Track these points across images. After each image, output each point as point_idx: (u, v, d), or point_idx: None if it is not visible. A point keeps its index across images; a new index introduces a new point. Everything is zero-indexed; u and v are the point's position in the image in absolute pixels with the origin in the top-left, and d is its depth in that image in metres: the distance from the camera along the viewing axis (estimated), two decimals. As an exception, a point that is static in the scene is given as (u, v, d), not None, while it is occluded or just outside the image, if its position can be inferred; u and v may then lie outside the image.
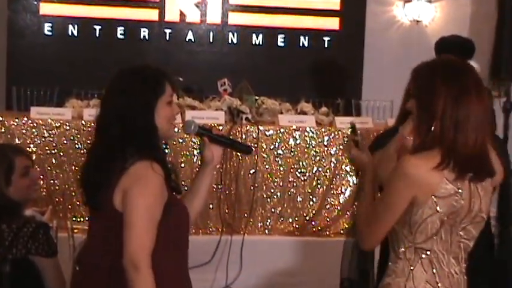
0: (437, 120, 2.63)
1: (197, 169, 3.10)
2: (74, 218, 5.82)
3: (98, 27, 8.02)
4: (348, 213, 6.34)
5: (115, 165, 2.82)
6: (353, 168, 3.32)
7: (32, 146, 5.82)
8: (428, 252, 2.70)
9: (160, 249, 2.80)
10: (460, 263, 2.76)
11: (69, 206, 5.84)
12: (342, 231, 6.29)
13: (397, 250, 2.75)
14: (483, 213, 2.74)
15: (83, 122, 5.94)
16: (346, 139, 6.18)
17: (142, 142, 2.87)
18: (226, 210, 6.12)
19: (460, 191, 2.64)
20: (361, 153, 3.06)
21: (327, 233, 6.28)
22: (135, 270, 2.69)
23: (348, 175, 6.31)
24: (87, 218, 3.08)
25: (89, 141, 5.80)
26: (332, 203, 6.31)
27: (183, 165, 5.89)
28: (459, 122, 2.61)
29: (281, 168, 6.20)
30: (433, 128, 2.63)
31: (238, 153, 5.72)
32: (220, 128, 6.03)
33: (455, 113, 2.62)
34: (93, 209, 2.98)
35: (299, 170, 6.23)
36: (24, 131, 5.85)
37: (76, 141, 5.89)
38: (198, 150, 3.25)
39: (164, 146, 3.13)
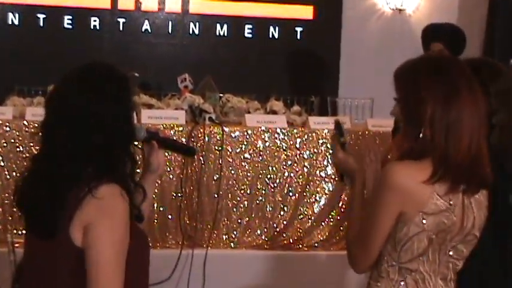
0: (425, 126, 2.59)
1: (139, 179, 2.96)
2: (15, 231, 5.79)
3: (41, 16, 7.98)
4: (322, 223, 6.38)
5: (72, 186, 2.63)
6: (337, 174, 3.18)
7: (-33, 149, 5.79)
8: (413, 273, 2.67)
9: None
10: (448, 284, 2.74)
11: (10, 217, 5.79)
12: (316, 244, 6.32)
13: (379, 268, 2.72)
14: (476, 231, 2.70)
15: (25, 122, 5.90)
16: (328, 140, 6.21)
17: (118, 151, 2.73)
18: (187, 221, 6.12)
19: (451, 206, 2.60)
20: (348, 157, 2.97)
21: (300, 245, 6.30)
22: None
23: (322, 181, 6.34)
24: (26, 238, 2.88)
25: (31, 144, 5.78)
26: (305, 212, 6.34)
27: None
28: (450, 126, 2.57)
29: (248, 174, 6.22)
30: (421, 134, 2.60)
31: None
32: (181, 129, 6.04)
33: (446, 116, 2.57)
34: (36, 237, 2.77)
35: (268, 176, 6.26)
36: (-42, 133, 5.82)
37: (17, 144, 5.85)
38: (141, 158, 3.11)
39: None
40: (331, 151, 2.98)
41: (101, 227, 2.59)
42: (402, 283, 2.68)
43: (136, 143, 2.92)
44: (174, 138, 5.71)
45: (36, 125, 5.73)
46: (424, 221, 2.59)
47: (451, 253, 2.69)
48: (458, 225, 2.64)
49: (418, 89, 2.63)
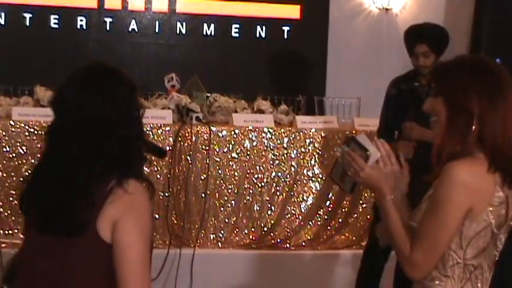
0: (475, 121, 2.65)
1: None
2: (1, 231, 5.78)
3: (28, 15, 7.94)
4: (310, 223, 6.39)
5: (96, 180, 2.64)
6: (340, 186, 3.12)
7: (-47, 149, 5.78)
8: (476, 270, 2.72)
9: None
10: (490, 278, 2.80)
11: (-4, 218, 5.80)
12: (303, 243, 6.33)
13: (443, 267, 2.72)
14: (510, 221, 2.78)
15: (11, 122, 5.89)
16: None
17: (133, 153, 2.77)
18: (175, 221, 6.12)
19: (506, 198, 2.69)
20: (374, 169, 2.86)
21: (287, 245, 6.32)
22: None
23: (310, 181, 6.36)
24: (21, 232, 2.80)
25: (18, 143, 5.77)
26: (293, 212, 6.36)
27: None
28: (498, 119, 2.65)
29: (236, 174, 6.23)
30: (473, 128, 2.66)
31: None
32: (168, 128, 6.04)
33: (493, 110, 2.65)
34: (53, 233, 2.71)
35: (256, 176, 6.27)
36: None
37: (4, 144, 5.84)
38: None
39: None
40: (354, 169, 2.89)
41: (131, 223, 2.64)
42: (469, 281, 2.71)
43: None
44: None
45: (23, 124, 5.78)
46: (491, 215, 2.66)
47: (498, 245, 2.76)
48: (506, 217, 2.72)
49: (463, 84, 2.69)
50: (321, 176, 6.38)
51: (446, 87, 2.76)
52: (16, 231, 5.79)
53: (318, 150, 6.40)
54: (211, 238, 6.21)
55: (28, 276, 2.81)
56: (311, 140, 6.38)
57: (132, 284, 2.62)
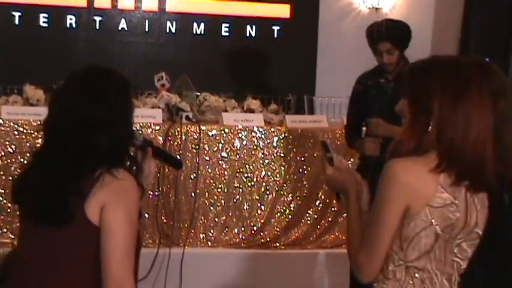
0: (433, 121, 2.60)
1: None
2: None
3: (17, 14, 7.92)
4: (300, 222, 6.39)
5: (86, 174, 2.78)
6: (333, 193, 3.13)
7: None
8: (420, 272, 2.65)
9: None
10: (452, 285, 2.72)
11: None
12: (293, 243, 6.33)
13: (385, 269, 2.68)
14: (479, 229, 2.70)
15: (0, 121, 5.87)
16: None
17: (121, 152, 2.91)
18: (164, 220, 6.11)
19: (456, 201, 2.60)
20: (337, 171, 2.92)
21: (277, 244, 6.32)
22: None
23: (299, 180, 6.35)
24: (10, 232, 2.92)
25: (7, 142, 5.75)
26: (282, 211, 6.36)
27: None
28: (458, 122, 2.58)
29: (225, 173, 6.23)
30: (430, 128, 2.61)
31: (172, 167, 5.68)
32: (158, 127, 6.04)
33: (454, 113, 2.59)
34: (45, 223, 2.85)
35: (245, 175, 6.26)
36: None
37: (-7, 143, 5.83)
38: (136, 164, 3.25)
39: None
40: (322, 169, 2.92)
41: (119, 207, 2.77)
42: (410, 283, 2.66)
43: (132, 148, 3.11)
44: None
45: (12, 123, 5.77)
46: (431, 215, 2.59)
47: (455, 251, 2.68)
48: (462, 221, 2.62)
49: (428, 85, 2.65)
50: (310, 175, 6.38)
51: (412, 88, 2.72)
52: (5, 230, 5.77)
53: (307, 150, 6.39)
54: (201, 237, 6.20)
55: (20, 266, 2.92)
56: (300, 139, 6.38)
57: (114, 265, 2.74)
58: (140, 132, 3.25)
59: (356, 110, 5.62)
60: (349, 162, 6.01)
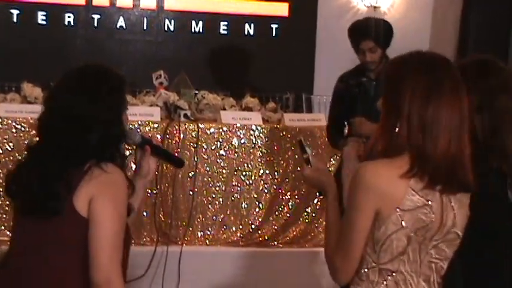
0: (402, 120, 2.55)
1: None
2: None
3: (15, 12, 7.91)
4: (298, 220, 6.39)
5: (76, 167, 2.83)
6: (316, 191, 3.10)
7: None
8: (394, 274, 2.61)
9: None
10: (431, 286, 2.68)
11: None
12: (291, 241, 6.33)
13: (359, 271, 2.65)
14: (457, 229, 2.65)
15: (-2, 119, 5.88)
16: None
17: (111, 149, 2.93)
18: (162, 218, 6.11)
19: (429, 203, 2.56)
20: (315, 172, 2.91)
21: (275, 242, 6.32)
22: (108, 285, 2.78)
23: (297, 178, 6.35)
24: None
25: (5, 140, 5.75)
26: (280, 209, 6.36)
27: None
28: (428, 122, 2.53)
29: (224, 171, 6.23)
30: (397, 129, 2.56)
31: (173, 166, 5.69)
32: (156, 125, 6.03)
33: (423, 112, 2.53)
34: (36, 215, 2.90)
35: (244, 173, 6.27)
36: None
37: (-10, 141, 5.82)
38: (134, 162, 3.28)
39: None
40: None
41: (106, 199, 2.81)
42: (383, 284, 2.62)
43: (130, 146, 3.13)
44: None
45: (10, 121, 5.78)
46: (401, 219, 2.54)
47: (432, 253, 2.64)
48: (437, 223, 2.58)
49: (399, 83, 2.60)
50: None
51: (386, 86, 2.69)
52: (3, 228, 5.77)
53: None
54: (199, 235, 6.20)
55: (13, 257, 2.99)
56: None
57: (101, 256, 2.77)
58: (138, 130, 3.25)
59: (338, 110, 5.59)
60: (332, 162, 6.06)
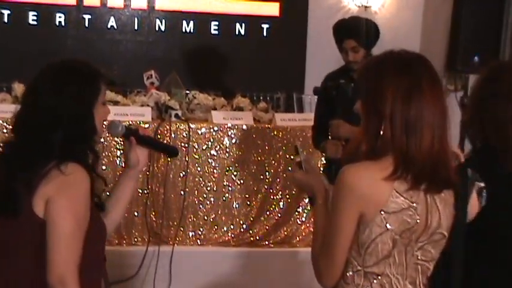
0: (386, 122, 2.53)
1: (120, 173, 3.07)
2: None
3: (6, 12, 7.89)
4: (289, 221, 6.40)
5: (38, 167, 2.81)
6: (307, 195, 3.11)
7: None
8: (379, 277, 2.60)
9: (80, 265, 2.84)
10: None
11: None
12: (282, 241, 6.34)
13: (345, 274, 2.64)
14: (443, 230, 2.63)
15: (-12, 119, 5.87)
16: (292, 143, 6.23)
17: (80, 145, 2.91)
18: (154, 218, 6.12)
19: (414, 204, 2.54)
20: (306, 175, 2.90)
21: (267, 242, 6.33)
22: (62, 286, 2.75)
23: (288, 178, 6.36)
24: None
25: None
26: (272, 209, 6.36)
27: (104, 167, 5.86)
28: (410, 123, 2.52)
29: (215, 171, 6.24)
30: (381, 131, 2.55)
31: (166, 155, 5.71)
32: (147, 126, 6.04)
33: (406, 112, 2.52)
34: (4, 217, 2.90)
35: (235, 173, 6.28)
36: None
37: (-19, 141, 5.81)
38: (122, 153, 3.27)
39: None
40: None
41: (62, 200, 2.78)
42: None
43: (116, 138, 3.07)
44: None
45: (1, 121, 5.77)
46: (386, 221, 2.53)
47: (418, 255, 2.63)
48: (422, 224, 2.57)
49: (379, 85, 2.57)
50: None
51: (363, 88, 2.67)
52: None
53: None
54: (191, 235, 6.21)
55: None
56: (289, 137, 6.39)
57: (56, 258, 2.76)
58: (119, 121, 3.22)
59: (321, 111, 5.58)
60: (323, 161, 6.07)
